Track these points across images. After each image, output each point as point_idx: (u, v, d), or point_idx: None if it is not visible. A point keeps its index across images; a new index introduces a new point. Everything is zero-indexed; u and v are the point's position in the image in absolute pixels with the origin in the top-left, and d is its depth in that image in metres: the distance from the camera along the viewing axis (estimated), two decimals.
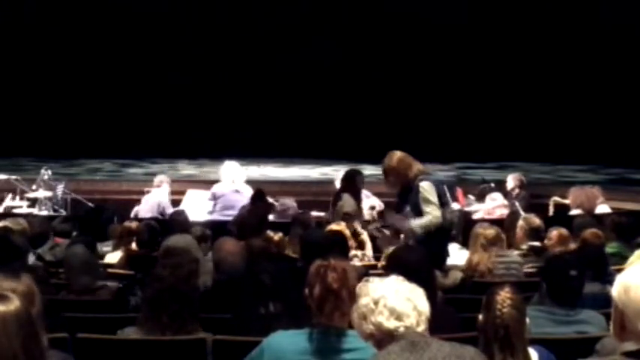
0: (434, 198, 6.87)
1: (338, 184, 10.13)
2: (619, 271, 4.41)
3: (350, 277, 3.85)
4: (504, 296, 3.81)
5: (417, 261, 4.82)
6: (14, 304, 2.83)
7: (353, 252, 7.44)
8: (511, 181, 12.02)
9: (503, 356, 3.73)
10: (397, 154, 7.20)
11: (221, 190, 10.89)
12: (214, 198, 10.85)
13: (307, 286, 3.89)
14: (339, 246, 6.48)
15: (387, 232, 8.16)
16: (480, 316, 3.87)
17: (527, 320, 3.88)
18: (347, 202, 8.98)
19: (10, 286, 3.38)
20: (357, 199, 9.23)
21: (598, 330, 4.69)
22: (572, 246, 7.15)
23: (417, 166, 7.12)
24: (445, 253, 6.90)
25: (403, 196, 7.17)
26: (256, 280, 4.80)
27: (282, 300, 4.62)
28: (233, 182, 10.89)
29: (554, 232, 7.34)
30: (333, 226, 7.68)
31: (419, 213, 6.86)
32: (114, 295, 5.79)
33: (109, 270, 6.92)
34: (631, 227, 7.53)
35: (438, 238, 6.81)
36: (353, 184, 9.46)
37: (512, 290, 3.88)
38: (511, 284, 4.03)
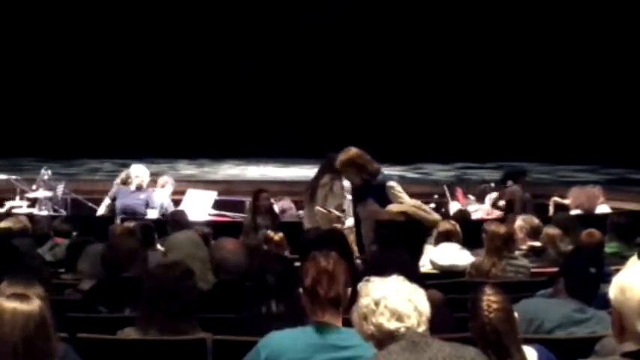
0: (405, 196, 7.09)
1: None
2: (618, 271, 4.40)
3: (340, 264, 3.91)
4: (488, 300, 3.70)
5: (405, 261, 4.83)
6: (32, 305, 2.99)
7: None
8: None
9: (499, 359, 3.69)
10: (352, 151, 7.39)
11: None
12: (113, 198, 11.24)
13: (300, 280, 3.92)
14: (337, 245, 6.41)
15: None
16: (469, 324, 3.76)
17: (516, 315, 3.78)
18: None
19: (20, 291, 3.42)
20: None
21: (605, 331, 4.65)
22: (561, 242, 7.28)
23: (374, 164, 7.30)
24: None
25: (361, 192, 7.27)
26: (260, 280, 4.78)
27: (286, 300, 4.61)
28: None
29: (544, 231, 7.45)
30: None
31: None
32: None
33: None
34: (631, 227, 7.53)
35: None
36: None
37: (495, 291, 3.75)
38: (491, 285, 3.90)
